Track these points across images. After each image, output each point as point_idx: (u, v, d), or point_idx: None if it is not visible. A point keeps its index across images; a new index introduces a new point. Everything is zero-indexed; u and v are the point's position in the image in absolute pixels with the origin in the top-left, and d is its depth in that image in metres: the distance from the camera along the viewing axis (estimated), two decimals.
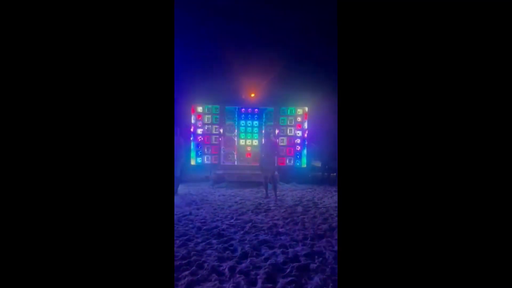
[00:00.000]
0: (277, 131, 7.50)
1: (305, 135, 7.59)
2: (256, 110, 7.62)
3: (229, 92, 7.71)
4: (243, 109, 7.60)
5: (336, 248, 2.72)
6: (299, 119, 7.61)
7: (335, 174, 7.96)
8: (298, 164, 7.65)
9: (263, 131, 7.36)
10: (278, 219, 3.75)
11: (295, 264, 2.28)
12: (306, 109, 7.58)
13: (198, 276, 2.05)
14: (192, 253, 2.46)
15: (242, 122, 7.61)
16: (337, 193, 5.85)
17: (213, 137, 7.47)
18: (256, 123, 7.60)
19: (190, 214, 3.90)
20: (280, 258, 2.41)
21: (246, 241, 2.83)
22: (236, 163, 7.58)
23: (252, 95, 7.81)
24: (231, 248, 2.65)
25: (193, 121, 7.38)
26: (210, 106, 7.55)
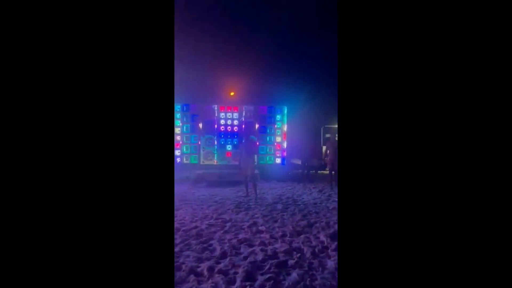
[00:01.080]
0: (257, 126, 7.56)
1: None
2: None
3: (207, 90, 7.63)
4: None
5: (314, 243, 2.78)
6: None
7: (313, 171, 8.15)
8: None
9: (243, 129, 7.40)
10: (258, 217, 3.77)
11: (274, 261, 2.31)
12: (285, 128, 7.74)
13: (176, 277, 2.01)
14: None
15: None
16: (315, 190, 6.00)
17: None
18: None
19: None
20: (259, 256, 2.42)
21: (225, 241, 2.82)
22: (216, 163, 7.53)
23: (232, 93, 7.77)
24: (210, 248, 2.63)
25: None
26: (188, 105, 7.43)
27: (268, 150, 7.75)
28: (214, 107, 7.59)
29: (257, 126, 7.58)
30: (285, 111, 7.75)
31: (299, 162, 8.22)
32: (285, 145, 7.74)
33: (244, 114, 7.68)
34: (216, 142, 7.56)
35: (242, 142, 5.45)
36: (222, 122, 7.64)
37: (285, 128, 7.73)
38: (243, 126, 7.60)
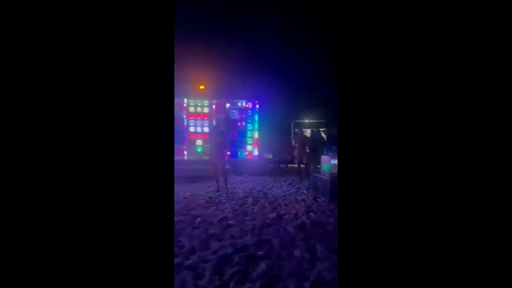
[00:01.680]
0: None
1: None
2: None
3: (175, 83, 7.37)
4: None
5: (282, 234, 2.86)
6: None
7: (284, 165, 8.34)
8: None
9: (213, 123, 7.31)
10: (228, 212, 3.77)
11: (243, 254, 2.34)
12: (256, 135, 7.84)
13: None
14: None
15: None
16: (285, 183, 6.15)
17: None
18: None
19: None
20: (229, 250, 2.44)
21: (194, 236, 2.78)
22: (186, 158, 7.36)
23: (202, 87, 7.60)
24: (179, 244, 2.58)
25: None
26: None
27: (239, 145, 7.78)
28: (183, 101, 7.38)
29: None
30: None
31: (270, 156, 8.35)
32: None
33: (214, 108, 7.59)
34: (185, 138, 7.38)
35: (212, 136, 5.35)
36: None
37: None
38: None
